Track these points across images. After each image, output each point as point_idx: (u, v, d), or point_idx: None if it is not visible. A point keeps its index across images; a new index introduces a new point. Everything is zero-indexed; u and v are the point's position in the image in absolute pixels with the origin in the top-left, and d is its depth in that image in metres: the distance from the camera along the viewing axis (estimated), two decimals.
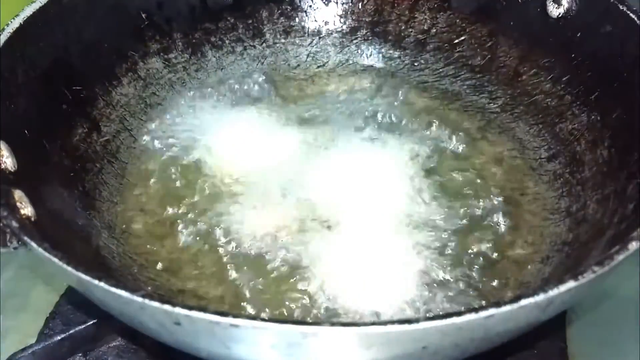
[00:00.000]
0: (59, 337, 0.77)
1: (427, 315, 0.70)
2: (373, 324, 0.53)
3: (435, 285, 0.74)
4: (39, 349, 0.76)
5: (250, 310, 0.73)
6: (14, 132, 0.74)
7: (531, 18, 0.93)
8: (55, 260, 0.58)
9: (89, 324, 0.78)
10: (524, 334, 0.62)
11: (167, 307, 0.53)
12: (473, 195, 0.84)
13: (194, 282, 0.77)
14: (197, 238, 0.80)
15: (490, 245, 0.79)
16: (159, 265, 0.78)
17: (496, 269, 0.77)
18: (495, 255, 0.78)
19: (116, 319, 0.64)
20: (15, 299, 0.88)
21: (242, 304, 0.73)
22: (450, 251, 0.78)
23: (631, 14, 0.81)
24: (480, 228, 0.81)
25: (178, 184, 0.87)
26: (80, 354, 0.79)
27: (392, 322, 0.52)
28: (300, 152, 0.90)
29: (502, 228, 0.81)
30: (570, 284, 0.55)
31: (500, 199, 0.84)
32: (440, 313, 0.60)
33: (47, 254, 0.59)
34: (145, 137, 0.92)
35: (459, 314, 0.52)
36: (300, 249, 0.78)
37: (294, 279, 0.75)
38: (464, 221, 0.81)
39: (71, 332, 0.78)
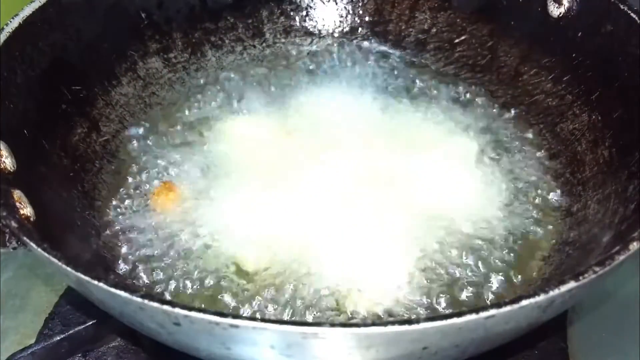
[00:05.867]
0: (58, 338, 0.77)
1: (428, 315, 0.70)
2: (373, 324, 0.52)
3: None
4: (38, 349, 0.76)
5: (252, 305, 0.73)
6: (14, 132, 0.74)
7: (532, 18, 0.93)
8: (55, 260, 0.58)
9: (88, 324, 0.78)
10: (524, 334, 0.62)
11: (166, 307, 0.53)
12: None
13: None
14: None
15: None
16: None
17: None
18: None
19: (116, 319, 0.64)
20: (15, 299, 0.88)
21: (242, 301, 0.74)
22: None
23: (632, 14, 0.81)
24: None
25: (176, 183, 0.86)
26: (79, 354, 0.79)
27: (392, 322, 0.52)
28: (299, 149, 0.90)
29: None
30: (571, 284, 0.55)
31: None
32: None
33: (46, 254, 0.59)
34: (145, 137, 0.92)
35: (459, 314, 0.52)
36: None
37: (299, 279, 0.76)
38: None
39: (70, 332, 0.78)
